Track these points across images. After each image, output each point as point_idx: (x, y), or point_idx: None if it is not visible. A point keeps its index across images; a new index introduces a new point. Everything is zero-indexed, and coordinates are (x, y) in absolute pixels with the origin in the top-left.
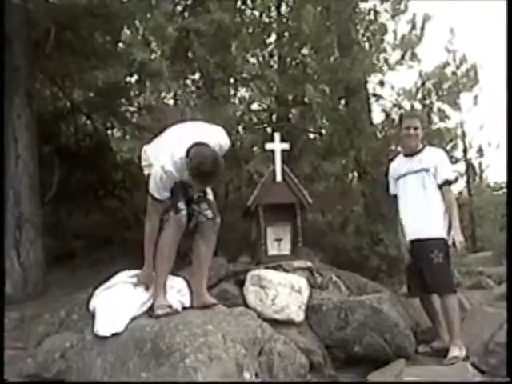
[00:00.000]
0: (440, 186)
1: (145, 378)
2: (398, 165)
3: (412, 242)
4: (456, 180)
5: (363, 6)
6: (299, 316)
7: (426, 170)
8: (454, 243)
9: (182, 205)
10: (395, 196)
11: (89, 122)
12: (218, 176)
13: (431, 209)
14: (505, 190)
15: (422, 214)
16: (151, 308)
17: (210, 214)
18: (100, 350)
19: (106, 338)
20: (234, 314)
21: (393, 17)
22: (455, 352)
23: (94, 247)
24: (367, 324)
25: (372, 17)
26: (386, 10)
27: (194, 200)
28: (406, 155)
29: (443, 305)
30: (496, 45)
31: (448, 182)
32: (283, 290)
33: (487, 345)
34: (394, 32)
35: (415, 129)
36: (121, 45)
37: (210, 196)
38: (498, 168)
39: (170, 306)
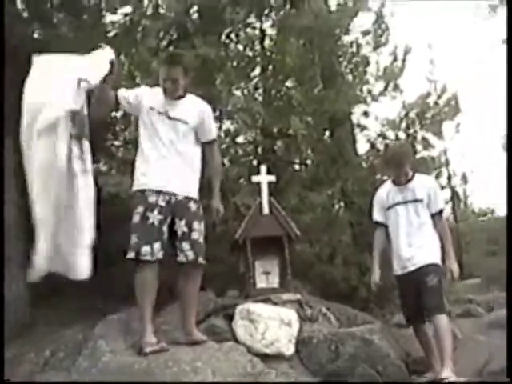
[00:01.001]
0: (433, 215)
1: None
2: (389, 193)
3: (403, 274)
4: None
5: (346, 38)
6: (289, 349)
7: (420, 201)
8: (450, 273)
9: (146, 250)
10: (380, 224)
11: None
12: None
13: (426, 238)
14: (489, 216)
15: (417, 243)
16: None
17: (191, 255)
18: None
19: (92, 376)
20: (223, 349)
21: (375, 49)
22: (446, 373)
23: (80, 283)
24: (358, 356)
25: (354, 49)
26: (367, 43)
27: (178, 236)
28: (395, 183)
29: (435, 326)
30: (476, 73)
31: (441, 211)
32: (273, 324)
33: (480, 373)
34: (377, 63)
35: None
36: None
37: (196, 234)
38: (482, 194)
39: (157, 343)
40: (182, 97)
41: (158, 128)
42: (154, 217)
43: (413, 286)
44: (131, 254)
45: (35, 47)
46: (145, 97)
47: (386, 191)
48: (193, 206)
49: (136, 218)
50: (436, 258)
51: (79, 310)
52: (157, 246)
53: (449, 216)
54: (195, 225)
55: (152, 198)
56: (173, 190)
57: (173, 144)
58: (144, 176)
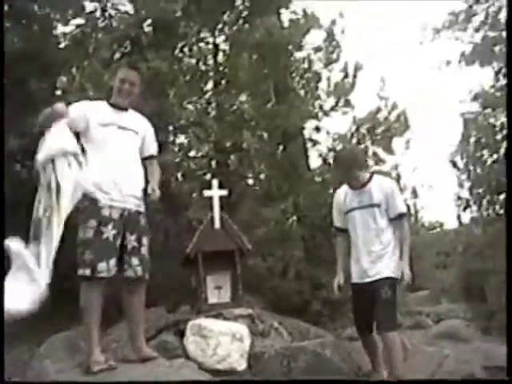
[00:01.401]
0: (392, 220)
1: None
2: (346, 197)
3: (360, 283)
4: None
5: (298, 54)
6: (241, 365)
7: (377, 206)
8: (401, 277)
9: (102, 267)
10: (340, 230)
11: (23, 169)
12: None
13: (382, 247)
14: (439, 229)
15: (373, 253)
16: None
17: (139, 270)
18: None
19: None
20: (174, 366)
21: (326, 65)
22: None
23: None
24: (310, 370)
25: (306, 65)
26: (319, 59)
27: (127, 251)
28: (351, 187)
29: (386, 342)
30: (425, 92)
31: (401, 215)
32: (224, 339)
33: None
34: (328, 80)
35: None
36: (57, 92)
37: (144, 249)
38: (432, 208)
39: (105, 361)
40: (126, 109)
41: (108, 139)
42: (109, 231)
43: (367, 297)
44: (86, 271)
45: None
46: (90, 111)
47: (343, 194)
48: (142, 220)
49: (89, 233)
50: (393, 271)
51: (24, 329)
52: (112, 262)
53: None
54: (144, 240)
55: (105, 212)
56: (125, 205)
57: (123, 154)
58: (95, 188)
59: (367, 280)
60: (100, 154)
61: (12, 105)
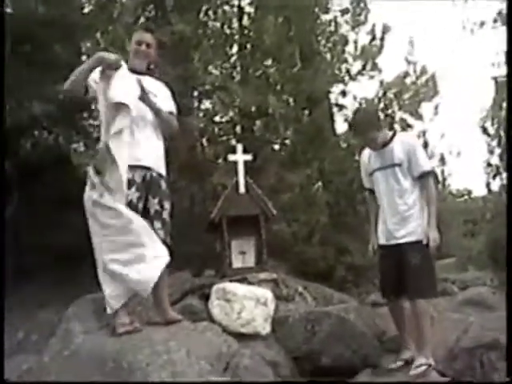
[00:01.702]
0: (417, 179)
1: None
2: (369, 158)
3: (387, 245)
4: (433, 171)
5: (324, 17)
6: (265, 329)
7: (399, 165)
8: (428, 242)
9: None
10: (370, 191)
11: (50, 136)
12: None
13: (407, 209)
14: (466, 197)
15: (398, 215)
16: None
17: (162, 234)
18: (59, 371)
19: (64, 358)
20: (198, 329)
21: (353, 28)
22: (422, 360)
23: (56, 264)
24: (334, 335)
25: (333, 28)
26: (346, 22)
27: (149, 214)
28: (374, 149)
29: (415, 310)
30: (456, 56)
31: (426, 174)
32: (249, 303)
33: (452, 350)
34: (355, 42)
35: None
36: (82, 57)
37: (166, 214)
38: (460, 176)
39: (131, 323)
40: (144, 74)
41: (129, 102)
42: (132, 194)
43: (394, 261)
44: None
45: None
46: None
47: (367, 156)
48: (163, 185)
49: None
50: (418, 234)
51: (56, 291)
52: None
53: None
54: (166, 204)
55: (128, 175)
56: (148, 165)
57: (144, 117)
58: None
59: (393, 242)
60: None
61: (36, 70)
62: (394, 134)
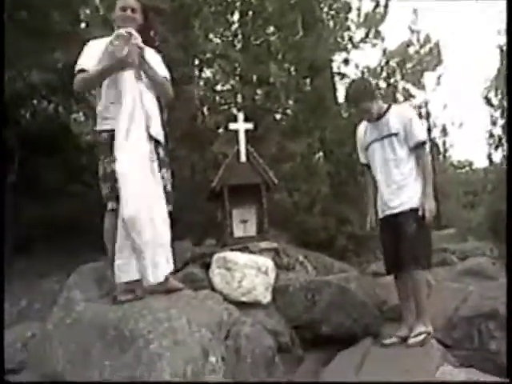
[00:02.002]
0: (413, 149)
1: (108, 365)
2: (365, 132)
3: (385, 217)
4: (427, 141)
5: None
6: (266, 298)
7: (395, 135)
8: (423, 212)
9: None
10: (367, 166)
11: (50, 105)
12: None
13: (402, 178)
14: (467, 169)
15: (393, 185)
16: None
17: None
18: (61, 338)
19: (67, 325)
20: (199, 297)
21: None
22: (421, 328)
23: (57, 235)
24: (335, 304)
25: None
26: None
27: None
28: (368, 120)
29: (411, 279)
30: (460, 25)
31: (421, 144)
32: (250, 272)
33: (451, 319)
34: (358, 10)
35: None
36: (81, 24)
37: (169, 185)
38: (461, 147)
39: (132, 291)
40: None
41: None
42: None
43: (391, 232)
44: (114, 205)
45: None
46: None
47: (363, 129)
48: (161, 152)
49: (112, 167)
50: (416, 203)
51: (57, 261)
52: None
53: None
54: (163, 172)
55: None
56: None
57: (139, 85)
58: (112, 119)
59: (388, 212)
60: (114, 84)
61: (34, 39)
62: (389, 106)
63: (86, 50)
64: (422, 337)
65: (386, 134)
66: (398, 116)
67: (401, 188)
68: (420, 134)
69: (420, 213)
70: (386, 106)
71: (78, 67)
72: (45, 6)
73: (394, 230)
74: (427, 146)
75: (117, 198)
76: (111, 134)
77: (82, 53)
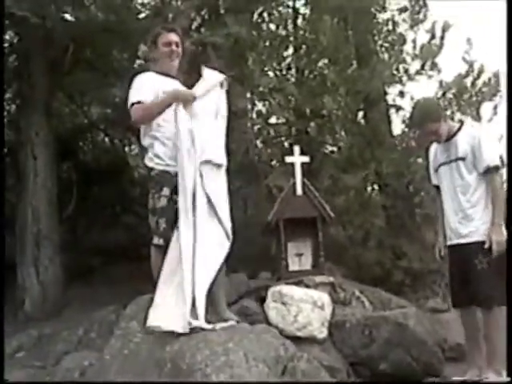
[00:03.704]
0: (483, 175)
1: None
2: (435, 153)
3: (452, 246)
4: (503, 164)
5: (381, 16)
6: (322, 333)
7: (462, 159)
8: (490, 244)
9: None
10: (438, 188)
11: (106, 138)
12: None
13: (470, 206)
14: None
15: (460, 213)
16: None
17: None
18: (119, 369)
19: (124, 356)
20: (255, 331)
21: (412, 26)
22: (492, 376)
23: (112, 264)
24: (393, 340)
25: (390, 27)
26: (404, 20)
27: None
28: (439, 142)
29: (486, 319)
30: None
31: (491, 169)
32: (305, 307)
33: None
34: (414, 42)
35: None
36: (138, 61)
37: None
38: None
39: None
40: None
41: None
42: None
43: (461, 263)
44: (160, 241)
45: (69, 28)
46: (156, 83)
47: (434, 150)
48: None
49: (163, 201)
50: (484, 234)
51: (113, 290)
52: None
53: None
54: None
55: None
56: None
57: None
58: (166, 157)
59: (455, 241)
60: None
61: (95, 76)
62: (461, 125)
63: (137, 84)
64: None
65: (454, 157)
66: (468, 137)
67: (468, 217)
68: (490, 157)
69: (487, 245)
70: (457, 125)
71: (133, 99)
72: (106, 45)
73: (463, 260)
74: (503, 171)
75: (162, 234)
76: (163, 171)
77: (133, 86)
